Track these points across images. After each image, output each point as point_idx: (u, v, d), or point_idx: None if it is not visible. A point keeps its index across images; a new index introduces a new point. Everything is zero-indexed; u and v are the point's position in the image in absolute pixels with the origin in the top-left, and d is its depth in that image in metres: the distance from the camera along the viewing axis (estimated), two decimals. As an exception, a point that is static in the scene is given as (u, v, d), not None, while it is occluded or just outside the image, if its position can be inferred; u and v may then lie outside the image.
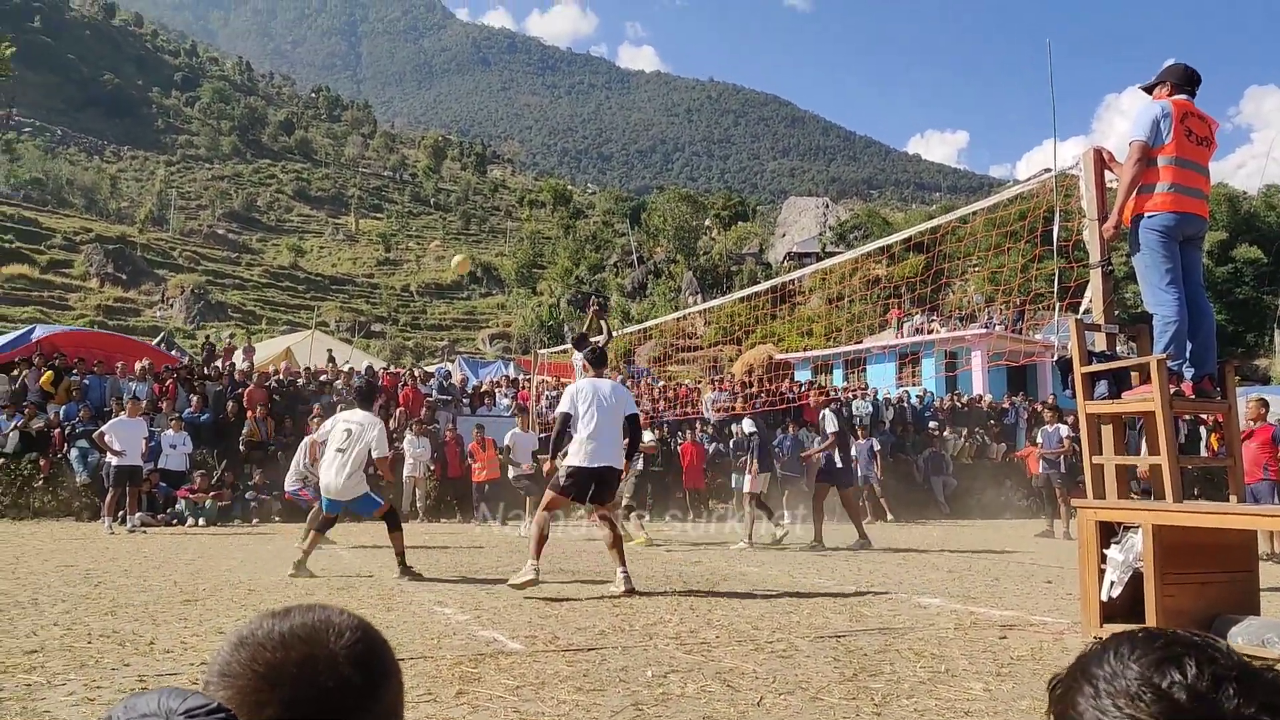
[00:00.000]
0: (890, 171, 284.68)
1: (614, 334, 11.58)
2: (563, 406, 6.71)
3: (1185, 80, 5.05)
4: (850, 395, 19.25)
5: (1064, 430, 12.91)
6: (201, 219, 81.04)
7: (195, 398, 15.53)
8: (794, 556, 9.49)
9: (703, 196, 73.31)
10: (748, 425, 10.77)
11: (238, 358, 20.08)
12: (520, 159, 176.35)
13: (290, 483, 10.92)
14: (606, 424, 6.56)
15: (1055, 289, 6.23)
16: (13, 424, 13.89)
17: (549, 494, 6.69)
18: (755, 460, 10.56)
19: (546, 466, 6.99)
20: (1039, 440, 13.49)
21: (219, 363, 18.33)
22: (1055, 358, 6.21)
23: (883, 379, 26.58)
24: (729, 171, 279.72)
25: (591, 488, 6.54)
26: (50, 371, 15.10)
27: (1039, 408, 19.54)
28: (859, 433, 16.57)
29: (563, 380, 23.07)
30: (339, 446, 7.36)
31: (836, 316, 28.20)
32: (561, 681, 3.68)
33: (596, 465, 6.48)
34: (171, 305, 51.84)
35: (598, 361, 7.16)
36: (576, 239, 72.60)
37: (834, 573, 7.92)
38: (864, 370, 27.82)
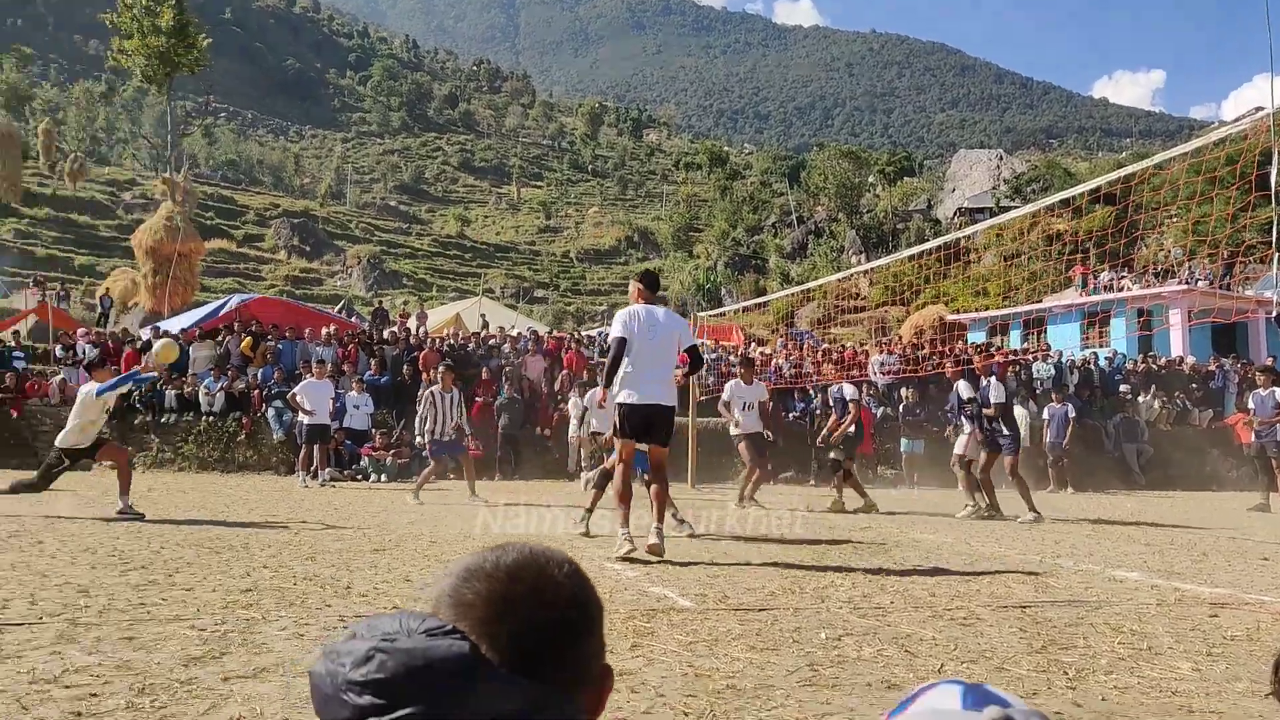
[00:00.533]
0: (1072, 118, 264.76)
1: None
2: (615, 331, 5.99)
3: None
4: (1030, 357, 18.16)
5: (1280, 395, 11.66)
6: (375, 192, 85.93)
7: (374, 361, 16.54)
8: (970, 525, 9.10)
9: (865, 153, 70.71)
10: (964, 390, 10.05)
11: (412, 323, 21.24)
12: (676, 122, 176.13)
13: (419, 439, 11.12)
14: (656, 357, 5.91)
15: (1274, 238, 5.60)
16: (219, 385, 15.29)
17: (618, 443, 6.12)
18: (973, 424, 9.93)
19: (599, 395, 6.36)
20: (1251, 406, 12.25)
21: (394, 328, 19.45)
22: (1274, 314, 5.58)
23: (1066, 340, 24.82)
24: (893, 126, 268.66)
25: (648, 426, 5.94)
26: (249, 337, 16.50)
27: (1252, 370, 17.78)
28: (1053, 397, 15.67)
29: (721, 343, 23.01)
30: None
31: (1013, 274, 26.58)
32: (734, 639, 3.66)
33: (644, 403, 5.88)
34: (351, 275, 55.29)
35: (652, 284, 6.34)
36: (733, 200, 71.83)
37: (1014, 542, 7.52)
38: (1044, 331, 26.15)
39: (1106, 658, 3.51)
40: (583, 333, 23.87)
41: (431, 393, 10.83)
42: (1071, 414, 15.58)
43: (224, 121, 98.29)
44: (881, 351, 18.77)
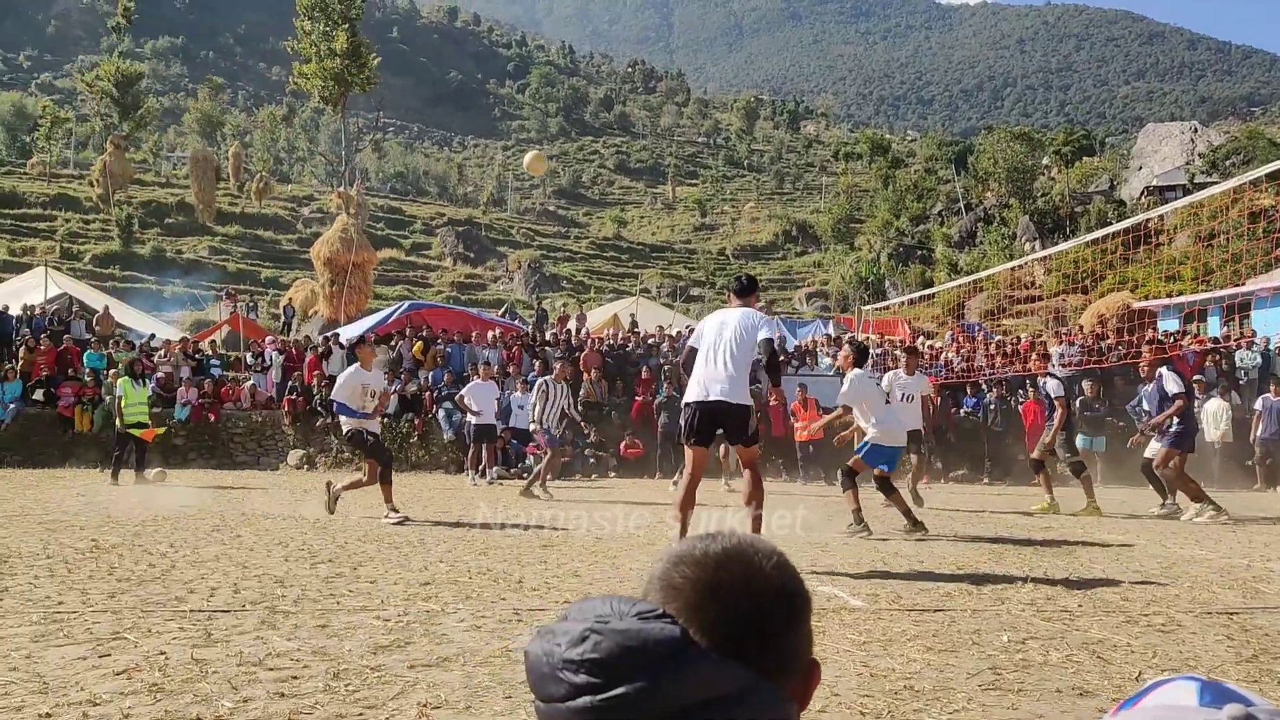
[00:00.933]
0: (1278, 83, 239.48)
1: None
2: (691, 341, 5.99)
3: None
4: (1234, 345, 16.61)
5: None
6: (534, 198, 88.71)
7: (538, 362, 17.12)
8: (1162, 526, 8.44)
9: (1039, 133, 66.58)
10: (1172, 385, 9.24)
11: (571, 324, 21.83)
12: (834, 112, 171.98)
13: (531, 425, 11.28)
14: (723, 354, 5.63)
15: None
16: (394, 388, 16.21)
17: (686, 449, 5.78)
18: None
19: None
20: None
21: (555, 329, 20.05)
22: None
23: (1275, 325, 22.49)
24: (1070, 103, 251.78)
25: (714, 426, 5.65)
26: (420, 342, 17.42)
27: None
28: (1271, 388, 14.34)
29: (887, 337, 22.33)
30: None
31: (1210, 256, 24.33)
32: (910, 640, 3.57)
33: (707, 399, 5.56)
34: (513, 279, 57.33)
35: (741, 291, 6.09)
36: (896, 189, 69.37)
37: (1217, 545, 6.92)
38: (1248, 316, 23.81)
39: (1332, 672, 3.19)
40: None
41: (545, 381, 11.20)
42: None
43: (392, 135, 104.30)
44: (1061, 342, 17.64)
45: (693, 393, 5.67)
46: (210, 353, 19.49)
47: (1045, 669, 3.19)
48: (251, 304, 30.68)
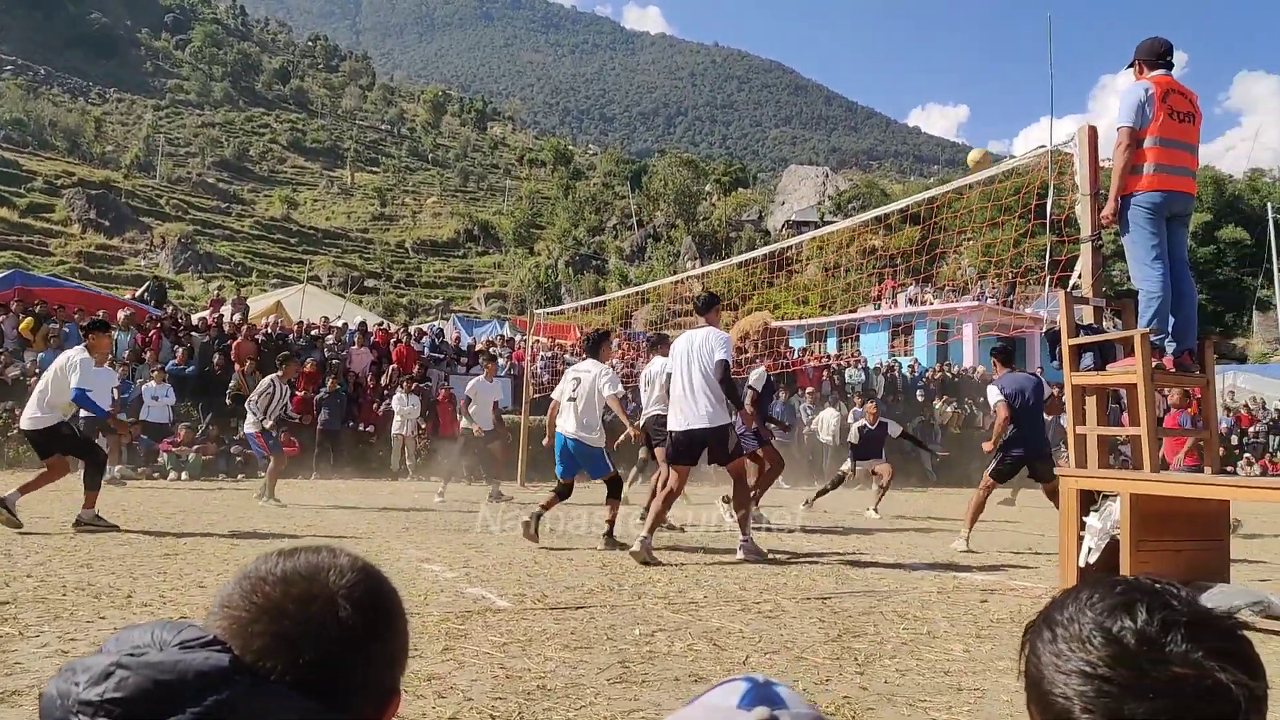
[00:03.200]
0: (890, 143, 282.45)
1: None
2: (668, 364, 6.46)
3: (1158, 55, 5.07)
4: (844, 363, 19.28)
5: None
6: (191, 166, 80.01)
7: (180, 349, 15.43)
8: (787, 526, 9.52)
9: (704, 162, 72.63)
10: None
11: (226, 310, 19.94)
12: (521, 117, 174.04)
13: (251, 425, 10.23)
14: (695, 383, 6.12)
15: (1046, 263, 6.23)
16: (-13, 372, 13.71)
17: (670, 469, 6.43)
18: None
19: (632, 432, 6.98)
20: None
21: (206, 314, 18.22)
22: (1044, 330, 6.21)
23: (875, 348, 26.58)
24: (730, 138, 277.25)
25: (697, 450, 6.23)
26: (30, 318, 14.90)
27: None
28: (858, 401, 16.60)
29: (557, 341, 22.98)
30: (570, 396, 6.98)
31: (832, 285, 28.16)
32: (549, 639, 3.68)
33: (688, 429, 6.15)
34: (158, 254, 51.39)
35: (702, 308, 6.55)
36: (576, 200, 71.96)
37: (823, 539, 7.95)
38: (858, 339, 27.83)
39: (892, 643, 3.79)
40: (416, 326, 23.24)
41: (273, 379, 10.25)
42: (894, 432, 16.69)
43: (10, 76, 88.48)
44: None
45: (675, 422, 6.23)
46: None
47: (669, 659, 3.43)
48: None
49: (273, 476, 9.74)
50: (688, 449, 6.23)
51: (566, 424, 6.87)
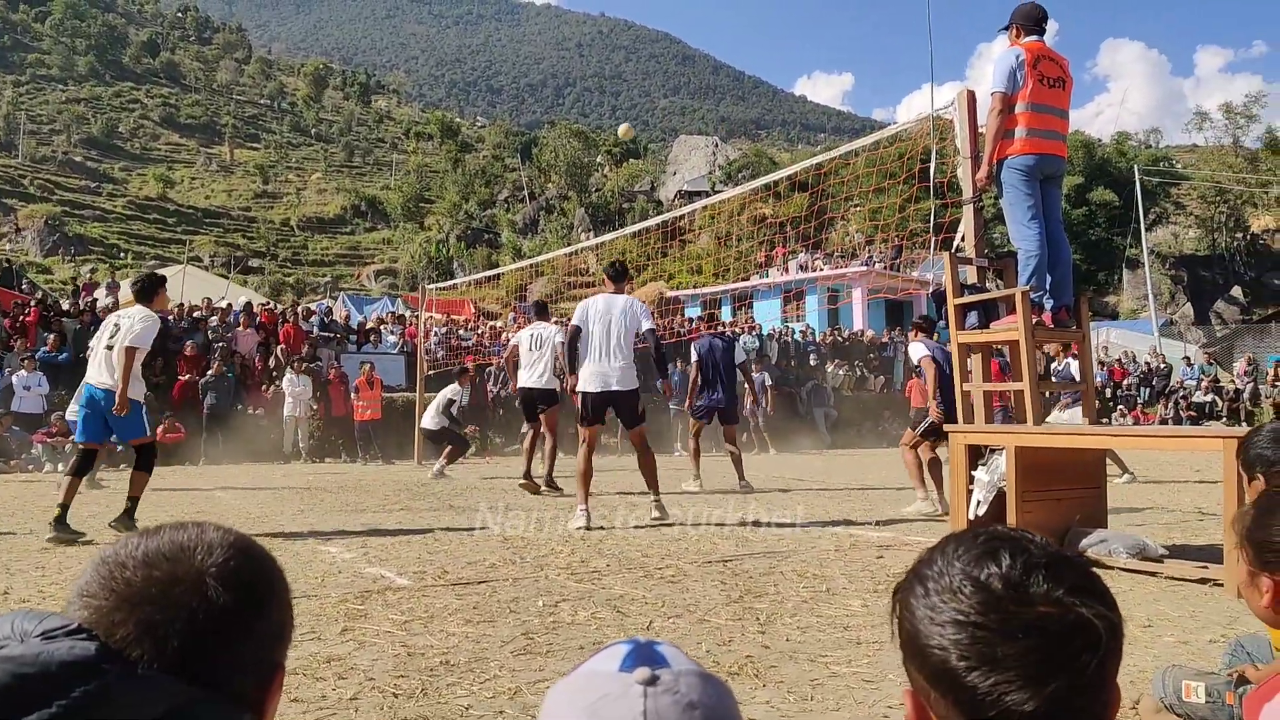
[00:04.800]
0: (778, 112, 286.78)
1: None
2: (575, 318, 6.61)
3: (1034, 20, 5.23)
4: (736, 330, 19.59)
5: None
6: (56, 144, 74.85)
7: (53, 336, 14.53)
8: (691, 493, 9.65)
9: (594, 133, 72.16)
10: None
11: (100, 294, 18.85)
12: (406, 90, 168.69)
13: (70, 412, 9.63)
14: (610, 344, 6.38)
15: (931, 226, 6.44)
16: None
17: (580, 429, 6.64)
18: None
19: (569, 382, 6.97)
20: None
21: (80, 299, 17.18)
22: (931, 290, 6.42)
23: (769, 315, 27.17)
24: (620, 108, 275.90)
25: (607, 410, 6.54)
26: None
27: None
28: (755, 367, 16.90)
29: (452, 317, 22.60)
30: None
31: (725, 253, 28.56)
32: (451, 615, 3.65)
33: (599, 390, 6.40)
34: (23, 237, 48.16)
35: (616, 276, 6.83)
36: (465, 173, 70.51)
37: (722, 504, 8.10)
38: (751, 306, 28.35)
39: (792, 601, 3.91)
40: (304, 306, 22.43)
41: None
42: (769, 382, 17.07)
43: None
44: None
45: (589, 384, 6.40)
46: None
47: (573, 628, 3.46)
48: None
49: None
50: (599, 409, 6.51)
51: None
